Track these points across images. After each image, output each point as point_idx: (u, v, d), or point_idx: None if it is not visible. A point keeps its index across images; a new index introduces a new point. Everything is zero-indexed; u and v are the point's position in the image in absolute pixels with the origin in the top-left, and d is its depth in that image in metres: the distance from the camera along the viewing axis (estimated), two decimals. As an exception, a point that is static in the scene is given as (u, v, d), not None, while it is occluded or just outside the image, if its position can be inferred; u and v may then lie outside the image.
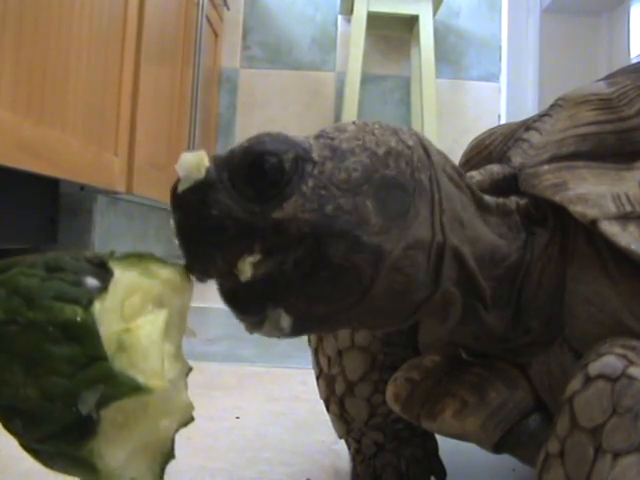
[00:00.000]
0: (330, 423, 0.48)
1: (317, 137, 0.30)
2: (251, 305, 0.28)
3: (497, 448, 0.37)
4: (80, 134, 1.35)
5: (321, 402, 0.48)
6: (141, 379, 0.24)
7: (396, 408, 0.40)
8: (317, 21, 2.70)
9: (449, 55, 2.68)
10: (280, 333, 0.29)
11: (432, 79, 2.29)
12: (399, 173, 0.30)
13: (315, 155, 0.29)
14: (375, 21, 2.38)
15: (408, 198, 0.30)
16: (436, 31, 2.39)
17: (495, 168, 0.39)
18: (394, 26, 2.58)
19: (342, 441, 0.49)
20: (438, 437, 0.48)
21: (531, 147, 0.39)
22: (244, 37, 2.70)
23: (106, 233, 1.75)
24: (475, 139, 0.44)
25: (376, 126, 0.32)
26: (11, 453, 0.50)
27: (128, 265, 0.26)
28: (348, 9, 2.47)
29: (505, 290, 0.35)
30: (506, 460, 0.45)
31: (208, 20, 2.26)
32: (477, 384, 0.37)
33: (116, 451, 0.24)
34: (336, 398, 0.46)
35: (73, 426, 0.23)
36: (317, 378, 0.47)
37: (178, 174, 0.28)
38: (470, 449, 0.42)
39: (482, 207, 0.35)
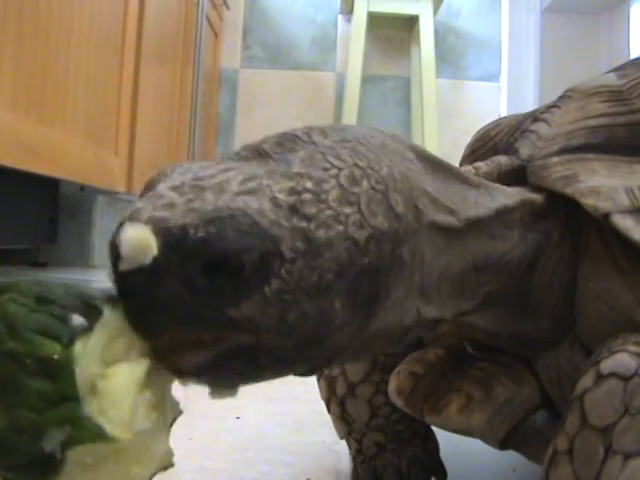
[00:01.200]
0: (331, 423, 0.48)
1: (291, 212, 0.25)
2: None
3: (503, 444, 0.36)
4: (80, 134, 1.35)
5: (321, 402, 0.48)
6: (108, 427, 0.24)
7: (399, 402, 0.39)
8: (317, 21, 2.70)
9: (449, 55, 2.68)
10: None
11: (432, 79, 2.29)
12: (378, 257, 0.26)
13: (285, 249, 0.24)
14: (375, 21, 2.38)
15: (381, 279, 0.26)
16: (436, 31, 2.39)
17: (502, 159, 0.38)
18: (394, 26, 2.58)
19: (343, 441, 0.49)
20: (439, 437, 0.47)
21: (539, 139, 0.38)
22: (244, 37, 2.70)
23: (106, 233, 1.74)
24: (480, 130, 0.43)
25: (364, 185, 0.26)
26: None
27: (119, 307, 0.26)
28: (348, 9, 2.47)
29: (501, 288, 0.34)
30: (506, 460, 0.45)
31: (208, 20, 2.26)
32: (483, 379, 0.36)
33: None
34: (337, 399, 0.46)
35: (38, 461, 0.23)
36: (318, 379, 0.47)
37: (119, 250, 0.24)
38: (471, 449, 0.41)
39: (479, 224, 0.32)
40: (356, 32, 2.32)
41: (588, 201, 0.33)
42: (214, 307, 0.24)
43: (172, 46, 1.99)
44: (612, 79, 0.39)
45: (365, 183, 0.26)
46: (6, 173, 1.12)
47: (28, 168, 1.13)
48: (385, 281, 0.27)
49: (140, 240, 0.24)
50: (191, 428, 0.58)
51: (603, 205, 0.32)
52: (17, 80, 1.07)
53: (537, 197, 0.35)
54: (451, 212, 0.31)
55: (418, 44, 2.35)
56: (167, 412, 0.27)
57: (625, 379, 0.27)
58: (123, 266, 0.24)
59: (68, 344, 0.24)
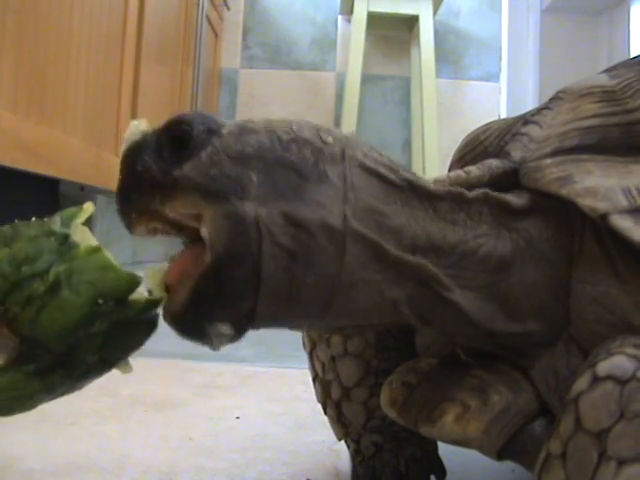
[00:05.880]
0: (330, 423, 0.48)
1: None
2: (190, 327, 0.31)
3: (500, 455, 0.35)
4: (80, 134, 1.35)
5: (321, 402, 0.48)
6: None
7: (392, 414, 0.38)
8: (317, 21, 2.70)
9: (449, 55, 2.68)
10: (230, 340, 0.31)
11: (432, 79, 2.29)
12: (299, 159, 0.31)
13: (224, 131, 0.31)
14: (375, 21, 2.38)
15: (301, 182, 0.31)
16: (436, 31, 2.39)
17: (494, 162, 0.37)
18: (394, 26, 2.58)
19: (342, 441, 0.49)
20: (438, 437, 0.47)
21: (531, 141, 0.37)
22: (244, 37, 2.70)
23: (106, 233, 1.75)
24: (469, 135, 0.43)
25: (297, 123, 0.33)
26: (12, 453, 0.50)
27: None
28: (348, 9, 2.48)
29: (473, 275, 0.33)
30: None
31: (208, 20, 2.26)
32: (478, 387, 0.35)
33: None
34: (332, 402, 0.45)
35: None
36: (313, 381, 0.47)
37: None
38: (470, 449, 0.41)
39: (426, 196, 0.33)
40: (356, 32, 2.32)
41: (585, 202, 0.32)
42: (166, 172, 0.30)
43: (172, 46, 1.99)
44: (604, 80, 0.38)
45: (302, 122, 0.33)
46: (6, 173, 1.12)
47: (28, 168, 1.14)
48: (305, 185, 0.31)
49: (136, 125, 0.32)
50: (191, 428, 0.58)
51: (601, 205, 0.32)
52: (17, 80, 1.07)
53: (511, 198, 0.35)
54: (392, 170, 0.33)
55: (418, 44, 2.35)
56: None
57: (622, 382, 0.26)
58: (123, 147, 0.31)
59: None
